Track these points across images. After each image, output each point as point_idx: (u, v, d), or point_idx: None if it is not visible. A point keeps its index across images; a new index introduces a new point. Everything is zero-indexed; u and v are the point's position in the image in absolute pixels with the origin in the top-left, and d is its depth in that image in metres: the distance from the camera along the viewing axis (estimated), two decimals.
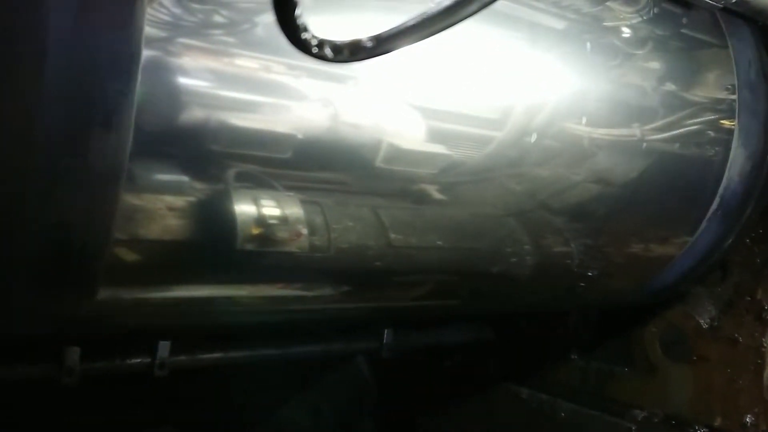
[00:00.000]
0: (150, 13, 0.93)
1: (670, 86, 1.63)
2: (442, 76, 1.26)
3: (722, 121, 1.74)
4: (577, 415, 2.25)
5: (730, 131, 1.74)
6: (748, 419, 1.94)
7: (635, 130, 1.57)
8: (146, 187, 1.04)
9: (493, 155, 1.35)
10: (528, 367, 2.44)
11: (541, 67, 1.40)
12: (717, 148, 1.74)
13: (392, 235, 1.35)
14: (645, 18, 1.65)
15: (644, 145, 1.58)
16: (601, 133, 1.50)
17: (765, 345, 1.94)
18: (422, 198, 1.32)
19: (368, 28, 0.68)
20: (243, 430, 2.64)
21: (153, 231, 1.12)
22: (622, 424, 2.14)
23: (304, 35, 0.60)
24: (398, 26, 0.63)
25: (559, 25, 1.47)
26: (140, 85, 0.95)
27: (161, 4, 0.95)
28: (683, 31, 1.72)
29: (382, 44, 0.63)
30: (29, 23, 0.78)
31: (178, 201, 1.09)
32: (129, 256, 1.10)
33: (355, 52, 0.62)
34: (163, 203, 1.12)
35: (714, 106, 1.72)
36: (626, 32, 1.60)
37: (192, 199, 1.08)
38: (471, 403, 2.57)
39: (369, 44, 0.62)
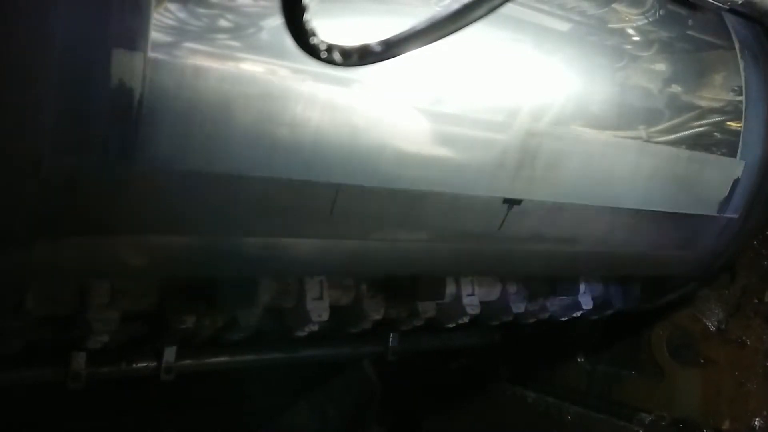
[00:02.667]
0: (156, 18, 0.93)
1: (676, 88, 1.63)
2: (448, 79, 1.25)
3: (729, 123, 1.73)
4: (584, 419, 2.24)
5: (737, 133, 1.73)
6: (756, 422, 1.93)
7: (641, 132, 1.56)
8: (153, 187, 1.03)
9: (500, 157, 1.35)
10: (535, 370, 2.44)
11: (546, 70, 1.39)
12: (723, 150, 1.73)
13: (400, 236, 1.35)
14: (651, 20, 1.64)
15: (650, 146, 1.57)
16: (606, 135, 1.48)
17: None
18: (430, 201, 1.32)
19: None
20: None
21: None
22: (630, 427, 2.14)
23: (313, 40, 0.60)
24: (407, 30, 0.63)
25: (564, 27, 1.46)
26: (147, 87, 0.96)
27: (167, 9, 0.95)
28: (689, 32, 1.71)
29: (391, 48, 0.62)
30: None
31: (185, 206, 1.09)
32: None
33: (364, 57, 0.62)
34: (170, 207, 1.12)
35: (721, 107, 1.71)
36: (632, 34, 1.59)
37: (198, 203, 1.08)
38: (477, 406, 2.56)
39: (378, 48, 0.62)
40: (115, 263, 1.08)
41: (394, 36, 0.63)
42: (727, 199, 1.73)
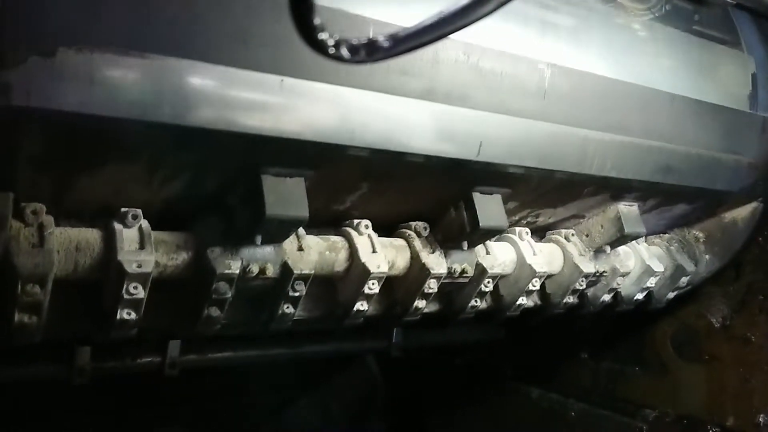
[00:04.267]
0: None
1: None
2: None
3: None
4: (588, 415, 2.24)
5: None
6: (761, 419, 1.92)
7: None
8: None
9: None
10: (538, 366, 2.43)
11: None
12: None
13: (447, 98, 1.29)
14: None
15: (658, 25, 1.57)
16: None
17: None
18: None
19: None
20: (253, 429, 2.65)
21: None
22: (633, 423, 2.13)
23: (321, 36, 0.60)
24: (415, 26, 0.63)
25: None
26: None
27: None
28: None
29: (399, 44, 0.62)
30: None
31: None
32: None
33: (372, 53, 0.61)
34: None
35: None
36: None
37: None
38: (481, 402, 2.56)
39: (386, 44, 0.62)
40: (147, 93, 0.94)
41: (402, 31, 0.63)
42: (754, 95, 1.74)
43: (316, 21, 0.60)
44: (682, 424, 2.06)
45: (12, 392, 1.98)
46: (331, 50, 0.61)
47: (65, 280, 1.10)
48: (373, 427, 2.82)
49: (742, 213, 1.98)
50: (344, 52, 0.61)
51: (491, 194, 1.40)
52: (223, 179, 1.14)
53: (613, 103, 1.46)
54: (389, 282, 1.42)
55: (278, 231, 1.17)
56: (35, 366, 1.71)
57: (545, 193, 1.53)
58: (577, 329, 2.36)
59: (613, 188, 1.60)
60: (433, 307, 1.57)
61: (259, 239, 1.17)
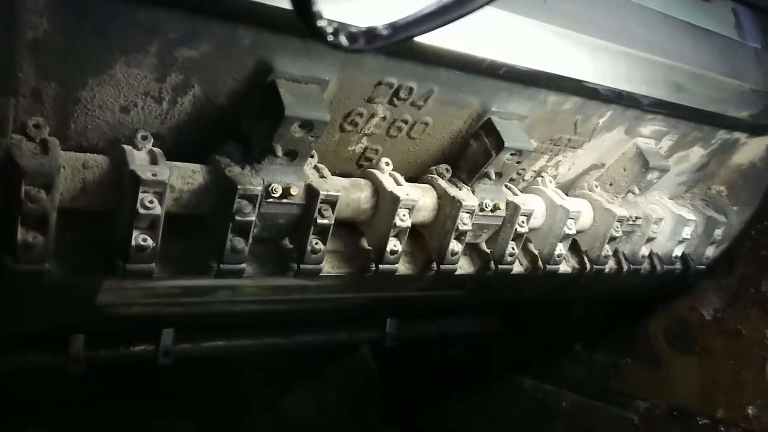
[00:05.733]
0: None
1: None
2: None
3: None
4: (581, 406, 2.26)
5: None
6: (750, 410, 1.94)
7: None
8: None
9: None
10: (532, 358, 2.45)
11: None
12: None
13: None
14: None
15: None
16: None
17: None
18: None
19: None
20: (247, 420, 2.65)
21: None
22: (625, 414, 2.15)
23: (320, 22, 0.59)
24: (414, 14, 0.62)
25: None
26: None
27: None
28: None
29: (398, 32, 0.62)
30: None
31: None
32: None
33: (371, 40, 0.61)
34: None
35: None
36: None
37: None
38: (475, 393, 2.58)
39: (385, 32, 0.61)
40: None
41: (402, 19, 0.63)
42: (739, 25, 1.75)
43: (316, 8, 0.59)
44: (672, 416, 2.08)
45: (5, 383, 1.98)
46: (330, 37, 0.61)
47: (72, 208, 1.01)
48: (368, 417, 2.84)
49: (757, 152, 1.94)
50: (343, 39, 0.61)
51: (509, 119, 1.37)
52: (236, 90, 1.08)
53: (612, 13, 1.44)
54: (419, 235, 1.38)
55: (299, 139, 1.08)
56: (28, 355, 1.71)
57: (561, 123, 1.49)
58: (571, 321, 2.37)
59: (628, 115, 1.56)
60: (469, 268, 1.50)
61: (279, 150, 1.08)
